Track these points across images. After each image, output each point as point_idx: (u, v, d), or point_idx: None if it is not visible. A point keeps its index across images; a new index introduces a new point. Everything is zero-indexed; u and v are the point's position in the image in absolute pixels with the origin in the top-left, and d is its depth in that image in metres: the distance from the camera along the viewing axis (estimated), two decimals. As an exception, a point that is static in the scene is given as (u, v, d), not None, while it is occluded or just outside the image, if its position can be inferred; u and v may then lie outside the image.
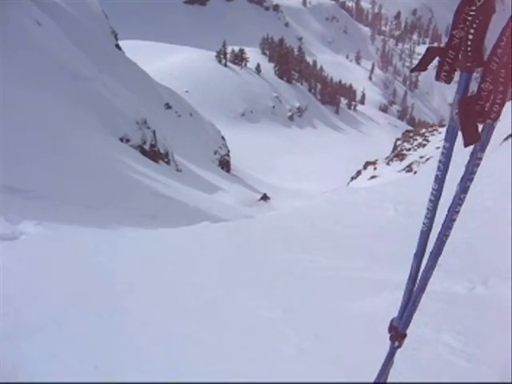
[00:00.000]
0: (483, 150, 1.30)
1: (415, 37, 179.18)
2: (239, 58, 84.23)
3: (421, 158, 29.66)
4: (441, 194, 1.46)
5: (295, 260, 4.32)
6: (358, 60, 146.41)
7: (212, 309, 3.24)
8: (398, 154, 36.13)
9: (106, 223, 10.63)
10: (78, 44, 27.83)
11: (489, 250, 3.95)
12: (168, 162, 29.15)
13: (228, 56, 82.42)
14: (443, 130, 35.98)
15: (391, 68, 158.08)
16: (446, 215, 1.47)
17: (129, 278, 4.10)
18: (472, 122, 1.20)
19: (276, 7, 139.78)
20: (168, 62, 72.97)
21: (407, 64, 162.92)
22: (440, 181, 1.44)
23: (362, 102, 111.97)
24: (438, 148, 27.61)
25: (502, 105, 1.21)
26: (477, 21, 1.16)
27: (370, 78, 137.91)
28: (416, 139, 38.22)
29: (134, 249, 5.52)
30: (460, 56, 1.24)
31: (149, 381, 3.00)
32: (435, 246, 1.53)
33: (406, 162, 31.47)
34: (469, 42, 1.19)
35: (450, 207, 1.45)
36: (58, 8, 31.61)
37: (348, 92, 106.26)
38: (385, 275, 3.57)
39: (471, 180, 1.36)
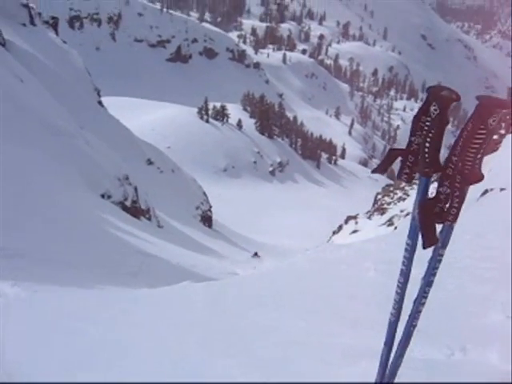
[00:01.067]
0: (444, 247, 1.38)
1: (392, 92, 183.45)
2: (221, 114, 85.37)
3: (401, 211, 29.92)
4: (406, 287, 1.52)
5: (273, 325, 4.28)
6: (337, 115, 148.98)
7: (183, 379, 3.19)
8: (378, 208, 36.46)
9: (87, 283, 10.47)
10: (61, 100, 28.03)
11: (466, 313, 3.97)
12: (149, 218, 29.07)
13: (210, 112, 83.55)
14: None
15: (370, 123, 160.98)
16: (413, 307, 1.53)
17: (106, 346, 4.03)
18: (431, 224, 1.27)
19: (257, 65, 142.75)
20: (150, 117, 73.67)
21: (385, 119, 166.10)
22: (405, 274, 1.51)
23: (343, 156, 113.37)
24: (417, 202, 27.87)
25: (459, 208, 1.29)
26: (432, 131, 1.25)
27: (350, 133, 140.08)
28: (396, 193, 38.64)
29: (111, 313, 5.44)
30: (419, 161, 1.32)
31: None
32: (403, 336, 1.58)
33: (386, 216, 31.71)
34: (426, 150, 1.28)
35: (415, 300, 1.51)
36: (41, 65, 32.00)
37: (328, 147, 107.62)
38: (362, 341, 3.55)
39: (434, 274, 1.43)
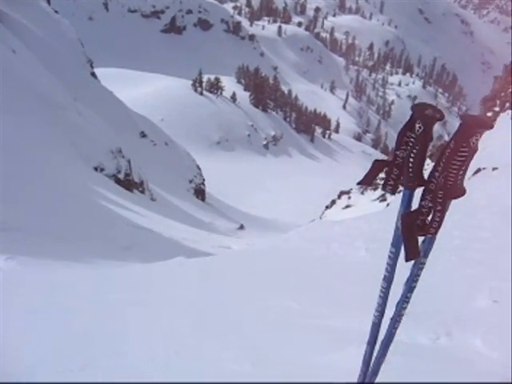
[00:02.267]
0: (426, 256, 1.44)
1: (388, 67, 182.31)
2: (215, 87, 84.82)
3: (394, 187, 29.99)
4: (389, 292, 1.58)
5: (265, 305, 4.34)
6: (332, 89, 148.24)
7: (176, 361, 3.25)
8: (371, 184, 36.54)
9: (80, 257, 10.53)
10: (54, 72, 27.80)
11: (454, 297, 4.04)
12: (143, 191, 29.06)
13: (204, 84, 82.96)
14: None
15: (365, 97, 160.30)
16: (395, 311, 1.59)
17: (100, 327, 4.08)
18: (413, 237, 1.33)
19: (252, 37, 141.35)
20: (144, 90, 73.10)
21: (380, 93, 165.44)
22: (388, 280, 1.57)
23: (337, 130, 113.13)
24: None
25: (440, 221, 1.34)
26: (417, 147, 1.31)
27: (345, 107, 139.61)
28: (389, 169, 38.63)
29: (105, 290, 5.49)
30: (403, 174, 1.38)
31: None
32: (385, 337, 1.64)
33: (379, 192, 31.78)
34: (410, 164, 1.33)
35: (397, 304, 1.57)
36: (33, 36, 31.62)
37: (323, 121, 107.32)
38: (351, 324, 3.61)
39: (416, 281, 1.49)
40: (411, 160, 1.36)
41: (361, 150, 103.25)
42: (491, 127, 1.24)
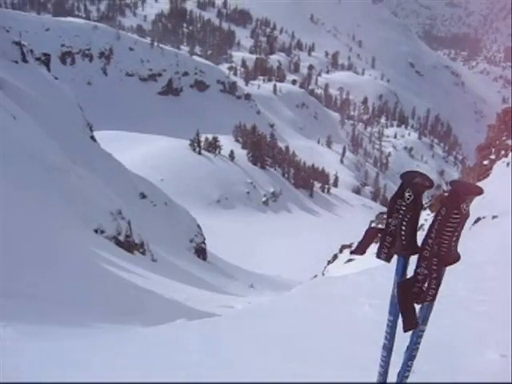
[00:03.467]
0: (425, 323, 1.40)
1: (383, 120, 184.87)
2: (213, 146, 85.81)
3: (395, 239, 29.89)
4: (390, 360, 1.52)
5: (269, 369, 4.22)
6: (329, 144, 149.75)
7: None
8: (373, 237, 36.39)
9: (82, 322, 10.37)
10: (53, 136, 28.14)
11: (461, 352, 3.94)
12: (143, 253, 28.94)
13: (202, 144, 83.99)
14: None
15: (362, 151, 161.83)
16: (397, 380, 1.53)
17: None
18: (410, 306, 1.30)
19: (248, 96, 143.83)
20: (143, 151, 73.89)
21: (377, 146, 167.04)
22: (388, 349, 1.52)
23: (335, 184, 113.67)
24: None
25: (436, 289, 1.32)
26: (408, 215, 1.29)
27: (342, 161, 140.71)
28: (390, 221, 38.61)
29: (104, 357, 5.37)
30: (396, 242, 1.36)
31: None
32: None
33: (381, 245, 31.64)
34: (403, 232, 1.32)
35: (398, 373, 1.52)
36: (33, 101, 32.16)
37: (321, 175, 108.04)
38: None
39: (416, 349, 1.45)
40: (403, 228, 1.35)
41: (361, 203, 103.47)
42: (481, 193, 1.24)
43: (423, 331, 1.44)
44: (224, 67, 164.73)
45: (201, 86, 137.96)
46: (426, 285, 1.35)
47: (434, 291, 1.34)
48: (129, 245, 26.95)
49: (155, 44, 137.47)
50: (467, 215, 1.25)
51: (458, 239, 1.28)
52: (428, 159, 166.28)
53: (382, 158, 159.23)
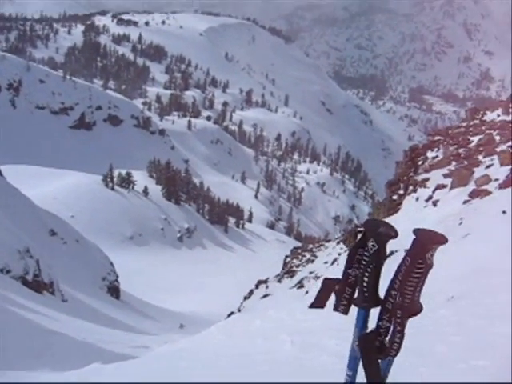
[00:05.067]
0: (386, 377, 1.34)
1: (296, 156, 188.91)
2: (126, 181, 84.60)
3: (310, 273, 30.17)
4: None
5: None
6: (243, 180, 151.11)
7: None
8: (288, 271, 36.65)
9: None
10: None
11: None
12: (53, 293, 27.77)
13: (115, 179, 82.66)
14: (329, 244, 37.25)
15: (275, 186, 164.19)
16: None
17: None
18: (374, 361, 1.25)
19: (162, 131, 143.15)
20: (52, 186, 71.67)
21: (290, 182, 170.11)
22: None
23: (250, 220, 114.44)
24: (325, 263, 28.41)
25: (400, 342, 1.27)
26: (371, 266, 1.25)
27: (256, 197, 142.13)
28: (304, 255, 39.13)
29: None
30: (357, 293, 1.31)
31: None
32: None
33: (296, 279, 31.89)
34: (364, 284, 1.27)
35: None
36: None
37: (236, 211, 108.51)
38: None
39: None
40: (365, 279, 1.30)
41: (275, 238, 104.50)
42: (445, 242, 1.21)
43: None
44: (138, 102, 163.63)
45: (114, 120, 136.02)
46: (387, 339, 1.29)
47: (397, 345, 1.29)
48: (37, 285, 25.79)
49: (67, 77, 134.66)
50: (431, 265, 1.22)
51: (421, 290, 1.24)
52: (339, 194, 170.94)
53: (295, 194, 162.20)
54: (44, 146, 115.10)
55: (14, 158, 75.99)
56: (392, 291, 1.26)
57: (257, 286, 36.99)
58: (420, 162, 24.66)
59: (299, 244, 66.08)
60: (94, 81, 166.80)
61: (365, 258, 1.30)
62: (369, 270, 1.29)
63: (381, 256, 1.28)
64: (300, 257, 39.65)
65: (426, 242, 1.20)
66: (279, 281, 35.30)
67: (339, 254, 26.38)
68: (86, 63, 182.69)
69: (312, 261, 35.35)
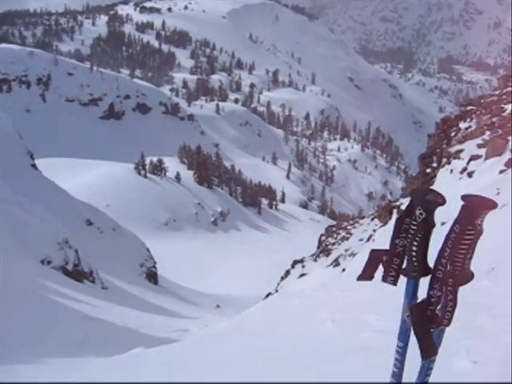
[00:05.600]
0: (434, 357, 1.32)
1: (326, 134, 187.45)
2: (158, 168, 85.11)
3: (346, 251, 30.14)
4: None
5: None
6: (274, 161, 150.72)
7: None
8: (323, 250, 36.64)
9: (31, 359, 9.96)
10: (-8, 167, 27.34)
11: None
12: (93, 281, 28.27)
13: (147, 167, 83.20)
14: (363, 221, 37.05)
15: (307, 165, 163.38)
16: None
17: None
18: (426, 332, 1.23)
19: (191, 117, 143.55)
20: (87, 177, 72.63)
21: (321, 160, 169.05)
22: (397, 377, 1.44)
23: (283, 200, 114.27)
24: (361, 240, 28.30)
25: (452, 311, 1.25)
26: (419, 234, 1.23)
27: (288, 177, 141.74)
28: (339, 233, 39.04)
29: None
30: (405, 263, 1.29)
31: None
32: None
33: (332, 257, 31.88)
34: (413, 253, 1.25)
35: None
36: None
37: (268, 192, 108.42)
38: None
39: (429, 375, 1.37)
40: (414, 248, 1.28)
41: (308, 217, 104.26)
42: (495, 207, 1.18)
43: (432, 368, 1.37)
44: (165, 89, 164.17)
45: (143, 108, 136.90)
46: (439, 308, 1.28)
47: (450, 314, 1.27)
48: (77, 274, 26.29)
49: (94, 68, 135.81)
50: (481, 231, 1.20)
51: (471, 257, 1.22)
52: (372, 170, 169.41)
53: (327, 172, 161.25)
54: (75, 137, 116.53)
55: (47, 152, 77.09)
56: (442, 259, 1.24)
57: (293, 266, 37.09)
58: (453, 134, 24.27)
59: (333, 222, 65.83)
60: (121, 70, 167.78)
61: (412, 226, 1.28)
62: (417, 238, 1.27)
63: (429, 224, 1.25)
64: (335, 235, 39.56)
65: (476, 208, 1.17)
66: (315, 260, 35.33)
67: (374, 231, 26.22)
68: (111, 53, 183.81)
69: (347, 238, 35.26)
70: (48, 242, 24.86)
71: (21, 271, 18.23)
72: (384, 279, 1.39)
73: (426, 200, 1.24)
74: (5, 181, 27.20)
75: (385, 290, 6.66)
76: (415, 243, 1.26)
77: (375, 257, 1.40)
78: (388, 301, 6.19)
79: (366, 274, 1.41)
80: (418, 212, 1.25)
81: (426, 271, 1.28)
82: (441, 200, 1.24)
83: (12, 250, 20.27)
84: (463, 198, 1.20)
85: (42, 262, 23.39)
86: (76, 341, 12.89)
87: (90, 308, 18.03)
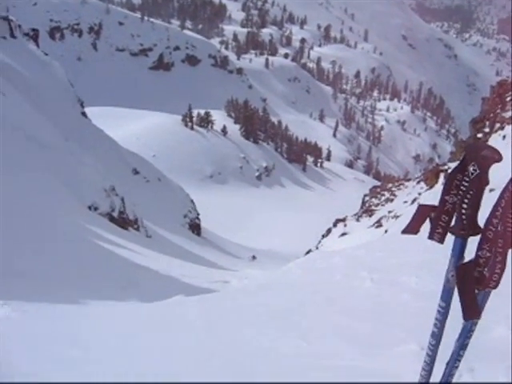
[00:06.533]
0: (477, 320, 1.26)
1: (375, 93, 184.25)
2: (205, 121, 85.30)
3: (389, 212, 29.90)
4: (437, 350, 1.41)
5: (272, 346, 4.16)
6: (321, 118, 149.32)
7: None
8: (366, 210, 36.45)
9: (78, 299, 10.32)
10: (44, 113, 27.82)
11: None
12: (137, 229, 28.87)
13: (194, 119, 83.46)
14: (409, 184, 36.54)
15: (354, 124, 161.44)
16: (445, 370, 1.42)
17: (100, 376, 3.90)
18: (472, 293, 1.16)
19: (239, 70, 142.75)
20: (134, 127, 73.37)
21: (369, 120, 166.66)
22: (437, 337, 1.39)
23: (328, 158, 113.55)
24: (405, 202, 27.96)
25: (501, 274, 1.18)
26: (471, 192, 1.14)
27: (335, 135, 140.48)
28: (383, 194, 38.68)
29: (104, 336, 5.30)
30: (454, 221, 1.22)
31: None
32: None
33: (375, 218, 31.69)
34: (463, 211, 1.17)
35: (448, 362, 1.39)
36: (23, 78, 31.69)
37: (314, 150, 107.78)
38: (367, 362, 3.47)
39: (470, 337, 1.32)
40: (464, 206, 1.20)
41: (353, 176, 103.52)
42: None
43: (477, 322, 1.31)
44: (215, 41, 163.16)
45: (192, 60, 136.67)
46: (486, 269, 1.22)
47: (497, 276, 1.21)
48: (123, 221, 26.88)
49: (145, 18, 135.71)
50: None
51: None
52: (421, 132, 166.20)
53: (374, 132, 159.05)
54: (125, 87, 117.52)
55: (96, 100, 77.98)
56: (493, 219, 1.18)
57: (335, 225, 37.04)
58: (508, 99, 23.47)
59: (378, 183, 65.16)
60: (171, 21, 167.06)
61: (464, 183, 1.20)
62: (468, 196, 1.20)
63: (482, 181, 1.17)
64: (379, 196, 39.21)
65: None
66: (357, 219, 35.19)
67: (419, 194, 25.82)
68: (162, 4, 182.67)
69: (391, 200, 34.91)
70: (95, 189, 25.40)
71: (68, 215, 18.72)
72: (430, 236, 1.32)
73: (482, 155, 1.16)
74: (55, 127, 27.71)
75: (427, 254, 6.60)
76: (466, 201, 1.18)
77: (422, 212, 1.33)
78: (430, 265, 6.14)
79: (412, 228, 1.35)
80: (471, 168, 1.17)
81: (476, 230, 1.21)
82: (497, 156, 1.16)
83: (62, 196, 20.80)
84: None
85: (89, 207, 23.95)
86: (119, 286, 13.25)
87: (134, 255, 18.44)
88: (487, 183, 1.17)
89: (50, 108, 31.20)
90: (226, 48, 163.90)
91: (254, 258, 39.49)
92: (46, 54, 39.72)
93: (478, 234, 1.23)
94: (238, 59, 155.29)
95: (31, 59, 35.72)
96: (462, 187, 1.21)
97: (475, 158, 1.15)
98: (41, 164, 21.42)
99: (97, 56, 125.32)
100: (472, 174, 1.17)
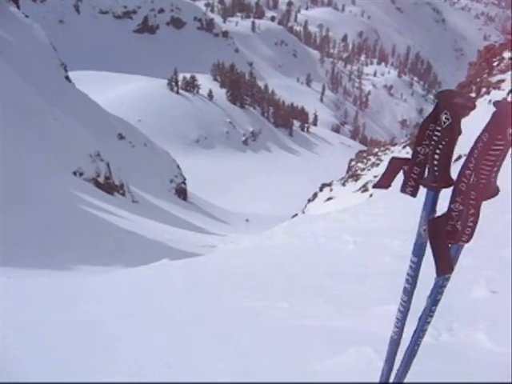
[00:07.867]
0: (449, 275, 1.25)
1: (363, 58, 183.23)
2: (191, 85, 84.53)
3: (375, 177, 30.06)
4: (410, 306, 1.41)
5: (256, 308, 4.21)
6: (308, 82, 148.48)
7: (168, 375, 3.10)
8: (352, 175, 36.59)
9: (63, 265, 10.35)
10: (27, 78, 27.39)
11: (450, 290, 3.94)
12: (123, 194, 28.80)
13: (180, 83, 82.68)
14: (395, 148, 36.67)
15: (341, 89, 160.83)
16: (417, 325, 1.42)
17: (83, 339, 3.93)
18: (444, 247, 1.13)
19: (225, 33, 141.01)
20: (119, 91, 72.62)
21: (356, 84, 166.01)
22: (409, 293, 1.38)
23: (315, 123, 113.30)
24: (391, 167, 28.05)
25: (473, 227, 1.14)
26: (443, 142, 1.10)
27: (322, 100, 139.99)
28: (369, 159, 38.82)
29: (88, 300, 5.33)
30: (426, 174, 1.18)
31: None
32: (405, 355, 1.47)
33: (361, 182, 31.86)
34: (435, 162, 1.13)
35: (420, 318, 1.39)
36: (4, 41, 31.14)
37: (300, 114, 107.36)
38: (348, 324, 3.52)
39: (441, 293, 1.31)
40: (436, 157, 1.16)
41: (339, 141, 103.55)
42: None
43: (449, 276, 1.29)
44: (201, 4, 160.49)
45: (177, 23, 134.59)
46: (459, 223, 1.20)
47: (470, 230, 1.18)
48: (108, 186, 26.78)
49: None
50: None
51: (498, 170, 1.12)
52: (407, 97, 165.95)
53: (361, 96, 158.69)
54: (109, 50, 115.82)
55: (80, 64, 76.82)
56: (466, 171, 1.14)
57: (321, 189, 37.23)
58: (495, 63, 23.45)
59: (364, 148, 65.26)
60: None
61: (436, 133, 1.17)
62: (440, 146, 1.16)
63: (455, 131, 1.13)
64: (365, 160, 39.33)
65: (508, 115, 1.07)
66: (343, 184, 35.34)
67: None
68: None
69: (377, 165, 35.04)
70: (80, 154, 25.21)
71: (55, 182, 18.61)
72: (402, 189, 1.28)
73: (454, 103, 1.12)
74: (39, 92, 27.32)
75: (411, 217, 6.65)
76: (438, 151, 1.14)
77: (395, 165, 1.30)
78: (413, 228, 6.16)
79: (383, 182, 1.31)
80: (443, 117, 1.13)
81: (448, 183, 1.17)
82: (470, 104, 1.12)
83: (47, 161, 20.63)
84: (495, 104, 1.09)
85: (75, 173, 23.81)
86: (106, 251, 13.29)
87: (120, 220, 18.43)
88: (460, 133, 1.13)
89: (33, 72, 30.72)
90: (212, 11, 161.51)
91: (247, 221, 40.20)
92: (27, 16, 38.89)
93: (450, 186, 1.20)
94: (224, 22, 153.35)
95: (12, 22, 35.02)
96: (434, 137, 1.18)
97: (447, 105, 1.10)
98: (24, 129, 21.18)
99: (79, 19, 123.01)
100: (444, 122, 1.13)
